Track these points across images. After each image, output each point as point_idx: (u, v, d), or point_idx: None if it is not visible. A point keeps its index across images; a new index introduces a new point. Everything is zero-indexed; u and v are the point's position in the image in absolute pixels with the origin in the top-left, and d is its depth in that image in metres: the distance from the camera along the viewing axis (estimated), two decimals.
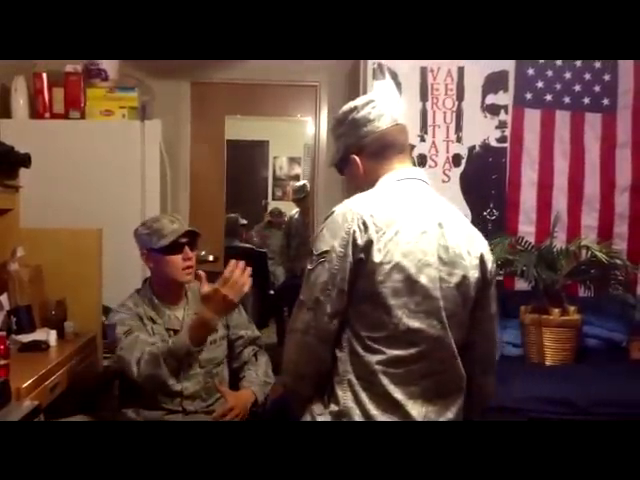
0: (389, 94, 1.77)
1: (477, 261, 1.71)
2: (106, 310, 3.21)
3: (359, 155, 1.77)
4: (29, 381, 2.27)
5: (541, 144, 3.66)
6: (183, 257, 2.48)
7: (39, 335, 2.79)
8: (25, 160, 2.93)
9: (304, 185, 6.05)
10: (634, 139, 3.63)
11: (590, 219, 3.66)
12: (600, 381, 2.84)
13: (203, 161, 4.20)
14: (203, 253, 4.08)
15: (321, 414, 1.65)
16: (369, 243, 1.58)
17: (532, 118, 3.66)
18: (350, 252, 1.59)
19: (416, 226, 1.64)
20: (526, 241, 3.39)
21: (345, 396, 1.62)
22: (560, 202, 3.65)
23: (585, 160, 3.65)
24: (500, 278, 3.38)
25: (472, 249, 1.71)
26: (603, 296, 3.33)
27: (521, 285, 3.37)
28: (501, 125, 3.66)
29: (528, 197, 3.66)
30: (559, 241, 3.39)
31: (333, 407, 1.63)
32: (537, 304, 3.18)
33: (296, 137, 6.64)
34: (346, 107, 1.80)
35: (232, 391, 2.55)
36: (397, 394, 1.61)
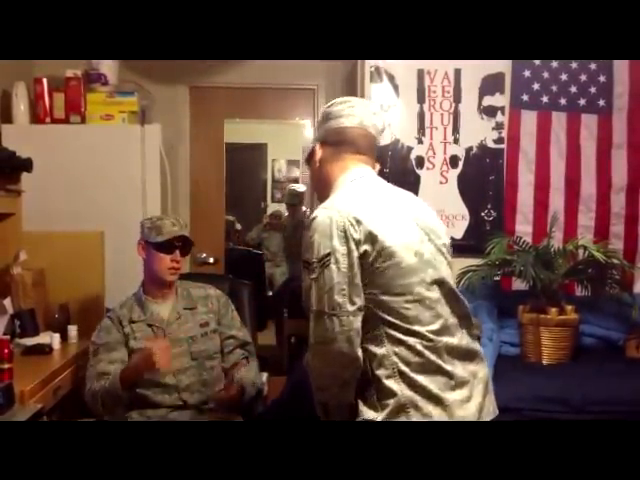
0: (374, 106, 2.01)
1: (444, 228, 1.86)
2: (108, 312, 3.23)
3: (321, 146, 1.87)
4: (32, 384, 2.30)
5: (538, 145, 3.68)
6: (172, 258, 2.60)
7: (42, 338, 2.81)
8: (27, 165, 2.95)
9: (301, 193, 6.05)
10: (630, 140, 3.66)
11: (587, 219, 3.69)
12: (597, 380, 2.85)
13: (203, 164, 4.22)
14: (204, 255, 4.11)
15: (378, 416, 1.63)
16: (368, 234, 1.63)
17: (529, 119, 3.68)
18: (353, 246, 1.62)
19: (396, 212, 1.73)
20: (524, 241, 3.41)
21: (401, 387, 1.62)
22: (557, 202, 3.68)
23: (581, 161, 3.68)
24: (498, 278, 3.41)
25: (437, 220, 1.86)
26: (600, 295, 3.34)
27: (519, 285, 3.39)
28: (498, 126, 3.69)
29: (525, 197, 3.69)
30: (556, 241, 3.41)
31: (389, 402, 1.62)
32: (535, 303, 3.20)
33: (294, 140, 6.63)
34: (328, 103, 1.91)
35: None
36: (448, 366, 1.66)
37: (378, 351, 1.65)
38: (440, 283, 1.71)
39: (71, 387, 2.67)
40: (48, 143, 3.33)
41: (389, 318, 1.64)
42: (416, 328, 1.65)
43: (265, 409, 2.83)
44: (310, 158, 1.91)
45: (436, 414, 1.62)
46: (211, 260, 4.16)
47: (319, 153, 1.87)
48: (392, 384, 1.63)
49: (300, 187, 6.26)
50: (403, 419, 1.61)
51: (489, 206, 3.72)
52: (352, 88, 3.84)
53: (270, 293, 6.11)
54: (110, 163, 3.37)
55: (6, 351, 2.25)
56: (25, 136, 3.31)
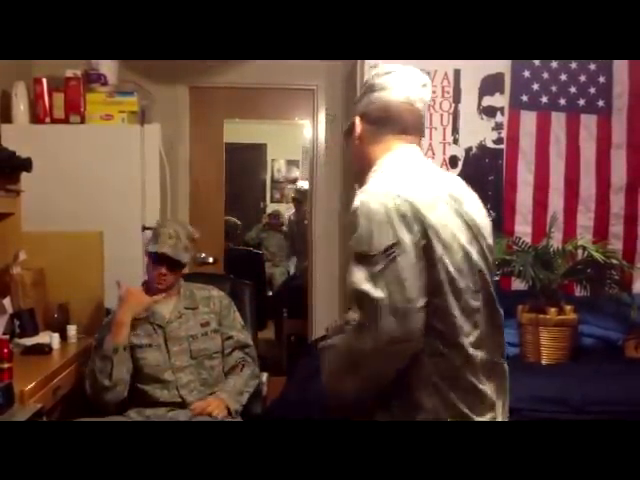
0: (423, 77, 1.70)
1: (490, 226, 1.67)
2: (108, 312, 3.23)
3: (361, 120, 1.69)
4: (32, 384, 2.30)
5: (537, 145, 3.68)
6: (158, 272, 2.64)
7: (42, 338, 2.81)
8: (26, 165, 2.95)
9: (306, 190, 6.07)
10: (629, 140, 3.67)
11: (586, 219, 3.69)
12: (596, 380, 2.85)
13: (202, 164, 4.23)
14: (203, 255, 4.12)
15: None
16: (424, 224, 1.47)
17: (528, 120, 3.68)
18: (418, 236, 1.46)
19: (446, 202, 1.55)
20: (523, 241, 3.42)
21: (432, 400, 1.51)
22: (556, 202, 3.68)
23: (581, 161, 3.68)
24: (497, 278, 3.41)
25: (485, 216, 1.67)
26: (599, 295, 3.34)
27: (518, 285, 3.39)
28: (497, 127, 3.69)
29: (525, 198, 3.69)
30: (555, 241, 3.41)
31: (415, 416, 1.52)
32: (534, 304, 3.20)
33: (294, 140, 6.65)
34: (372, 73, 1.73)
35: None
36: (481, 385, 1.54)
37: (415, 360, 1.50)
38: (482, 289, 1.57)
39: (71, 387, 2.68)
40: (48, 143, 3.33)
41: (436, 325, 1.49)
42: (459, 340, 1.51)
43: (264, 410, 2.83)
44: (349, 133, 1.73)
45: None
46: (210, 260, 4.16)
47: (359, 129, 1.69)
48: (423, 397, 1.51)
49: (305, 184, 6.28)
50: None
51: (488, 206, 3.68)
52: (351, 88, 3.84)
53: (270, 293, 6.13)
54: (110, 163, 3.37)
55: (6, 351, 2.25)
56: (25, 136, 3.31)
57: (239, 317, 2.81)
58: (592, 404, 2.66)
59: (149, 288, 2.69)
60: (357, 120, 1.70)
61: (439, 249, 1.48)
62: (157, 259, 2.63)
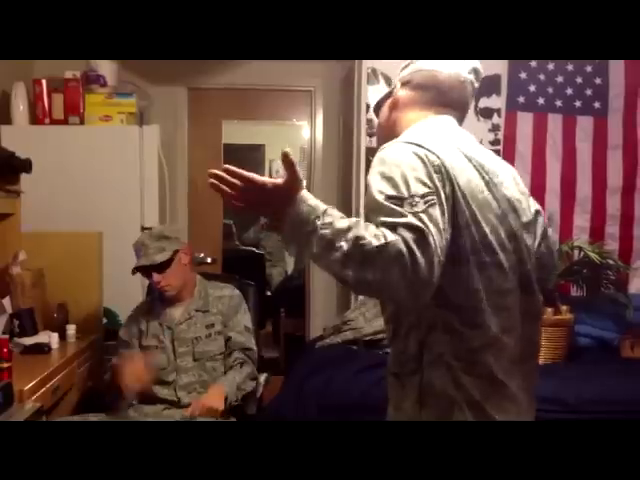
0: (474, 62, 1.59)
1: (527, 208, 1.55)
2: (107, 312, 3.25)
3: (403, 86, 1.56)
4: (31, 383, 2.30)
5: (534, 147, 3.71)
6: (152, 281, 2.66)
7: (41, 338, 2.82)
8: (26, 165, 2.96)
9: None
10: (625, 141, 3.69)
11: (582, 220, 3.71)
12: (592, 379, 2.86)
13: (201, 165, 4.24)
14: (202, 255, 4.13)
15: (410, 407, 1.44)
16: (452, 187, 1.32)
17: (525, 121, 3.71)
18: (450, 194, 1.31)
19: (478, 172, 1.42)
20: None
21: (443, 381, 1.38)
22: (553, 203, 3.70)
23: (577, 162, 3.71)
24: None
25: (521, 195, 1.54)
26: (595, 295, 3.36)
27: None
28: (494, 128, 3.71)
29: None
30: None
31: (429, 394, 1.41)
32: None
33: (292, 141, 6.66)
34: None
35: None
36: (503, 376, 1.41)
37: (427, 335, 1.38)
38: (515, 270, 1.44)
39: (70, 386, 2.69)
40: (47, 144, 3.35)
41: (454, 298, 1.36)
42: (480, 319, 1.37)
43: (259, 409, 2.84)
44: (383, 100, 1.61)
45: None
46: (209, 260, 4.18)
47: (398, 94, 1.56)
48: (433, 376, 1.39)
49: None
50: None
51: None
52: (349, 90, 3.86)
53: (268, 293, 6.14)
54: (108, 164, 3.39)
55: (5, 350, 2.26)
56: (24, 137, 3.33)
57: (245, 319, 2.76)
58: (588, 404, 2.67)
59: (160, 297, 2.72)
60: (398, 85, 1.57)
61: (466, 216, 1.34)
62: (143, 272, 2.66)
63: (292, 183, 1.32)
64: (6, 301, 2.88)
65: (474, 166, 1.41)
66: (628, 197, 3.69)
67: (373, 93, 3.65)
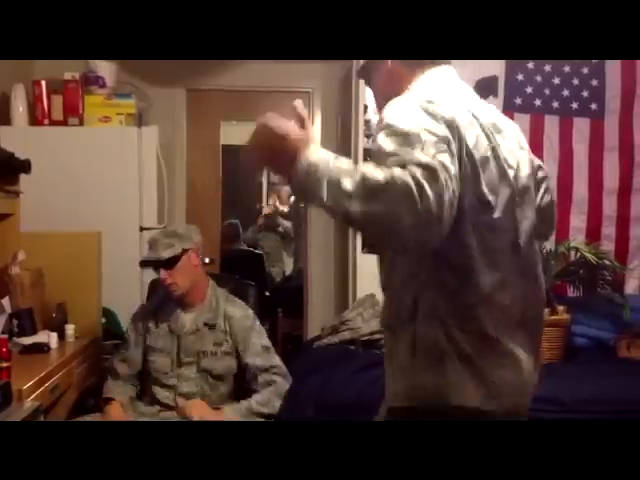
0: None
1: (527, 167, 1.56)
2: (106, 312, 3.26)
3: None
4: (30, 383, 2.31)
5: (530, 148, 3.69)
6: (160, 278, 2.64)
7: (40, 337, 2.83)
8: (25, 166, 2.97)
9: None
10: (621, 142, 3.69)
11: (579, 221, 3.71)
12: (588, 379, 2.86)
13: (199, 166, 4.26)
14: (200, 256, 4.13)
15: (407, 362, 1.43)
16: (459, 141, 1.32)
17: (521, 123, 3.68)
18: (457, 149, 1.30)
19: (482, 128, 1.41)
20: None
21: (436, 334, 1.38)
22: None
23: (574, 163, 3.71)
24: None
25: (523, 154, 1.57)
26: (592, 296, 3.35)
27: None
28: None
29: None
30: (548, 242, 3.43)
31: (420, 347, 1.40)
32: None
33: None
34: None
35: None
36: (499, 335, 1.40)
37: (423, 289, 1.39)
38: (508, 232, 1.43)
39: (68, 385, 2.70)
40: (46, 145, 3.36)
41: (448, 253, 1.35)
42: (474, 277, 1.37)
43: None
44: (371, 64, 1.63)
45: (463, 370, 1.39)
46: (207, 260, 4.18)
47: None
48: (427, 329, 1.39)
49: None
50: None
51: None
52: (347, 91, 3.87)
53: (267, 293, 6.15)
54: (107, 165, 3.40)
55: (4, 350, 2.27)
56: (23, 138, 3.34)
57: (262, 339, 2.68)
58: (584, 404, 2.67)
59: (170, 297, 2.69)
60: None
61: (468, 173, 1.33)
62: (154, 268, 2.65)
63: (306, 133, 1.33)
64: (5, 301, 2.89)
65: (480, 125, 1.40)
66: (624, 198, 3.70)
67: (371, 94, 3.66)
